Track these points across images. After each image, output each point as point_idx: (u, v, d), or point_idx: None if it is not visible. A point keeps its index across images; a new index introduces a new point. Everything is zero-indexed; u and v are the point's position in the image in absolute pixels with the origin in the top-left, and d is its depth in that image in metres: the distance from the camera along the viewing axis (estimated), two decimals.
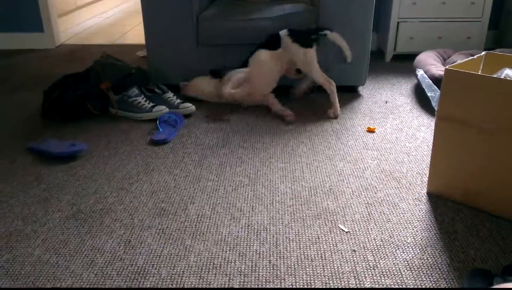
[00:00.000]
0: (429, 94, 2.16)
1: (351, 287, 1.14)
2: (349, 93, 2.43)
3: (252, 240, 1.32)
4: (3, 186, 1.61)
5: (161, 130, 1.99)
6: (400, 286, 1.14)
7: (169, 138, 1.93)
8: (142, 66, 2.45)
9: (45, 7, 3.31)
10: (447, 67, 1.39)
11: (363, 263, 1.22)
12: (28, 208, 1.48)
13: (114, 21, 4.49)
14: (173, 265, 1.22)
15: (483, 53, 1.57)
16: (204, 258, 1.25)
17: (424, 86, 2.23)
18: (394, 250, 1.27)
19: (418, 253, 1.26)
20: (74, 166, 1.74)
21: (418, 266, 1.21)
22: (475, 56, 1.55)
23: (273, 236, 1.33)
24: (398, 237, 1.32)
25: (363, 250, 1.27)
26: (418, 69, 2.39)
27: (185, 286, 1.15)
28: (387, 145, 1.87)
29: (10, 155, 1.82)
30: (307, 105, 2.30)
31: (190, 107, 2.19)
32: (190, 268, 1.21)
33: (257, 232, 1.35)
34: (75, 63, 2.98)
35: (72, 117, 2.12)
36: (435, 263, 1.22)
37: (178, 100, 2.21)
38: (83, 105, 2.13)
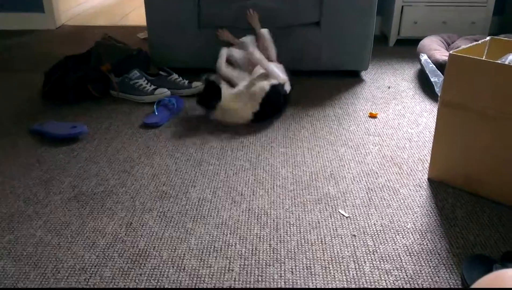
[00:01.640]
0: (432, 80, 2.15)
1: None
2: (352, 78, 2.42)
3: (252, 224, 1.32)
4: (4, 167, 1.61)
5: (156, 113, 1.98)
6: (400, 271, 1.15)
7: (161, 122, 1.93)
8: (143, 48, 2.44)
9: None
10: (451, 52, 1.38)
11: (363, 247, 1.23)
12: (30, 189, 1.48)
13: (115, 2, 4.45)
14: (174, 247, 1.23)
15: (487, 38, 1.56)
16: (205, 241, 1.26)
17: (427, 71, 2.22)
18: (394, 236, 1.27)
19: (417, 238, 1.26)
20: (76, 148, 1.74)
21: (418, 252, 1.22)
22: (479, 42, 1.54)
23: (273, 220, 1.34)
24: (398, 222, 1.33)
25: (363, 235, 1.28)
26: (422, 54, 2.37)
27: (186, 269, 1.16)
28: (389, 130, 1.87)
29: (12, 137, 1.82)
30: (309, 90, 2.29)
31: (200, 86, 2.20)
32: (191, 251, 1.22)
33: (257, 216, 1.36)
34: (76, 44, 2.96)
35: (73, 99, 2.11)
36: (434, 248, 1.23)
37: (187, 81, 2.21)
38: (84, 87, 2.12)
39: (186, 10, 2.29)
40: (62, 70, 2.14)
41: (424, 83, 2.34)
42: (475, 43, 1.53)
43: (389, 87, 2.31)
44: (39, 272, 1.15)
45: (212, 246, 1.24)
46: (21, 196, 1.45)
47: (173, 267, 1.17)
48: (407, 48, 2.86)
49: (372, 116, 2.00)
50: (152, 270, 1.16)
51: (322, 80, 2.38)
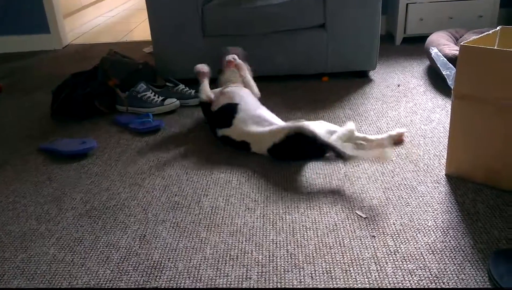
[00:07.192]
0: (444, 73, 2.10)
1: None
2: (360, 78, 2.39)
3: (268, 230, 1.29)
4: (16, 186, 1.60)
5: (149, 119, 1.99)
6: (424, 271, 1.11)
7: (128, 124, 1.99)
8: (149, 62, 2.43)
9: (50, 8, 3.31)
10: (462, 43, 1.34)
11: (383, 248, 1.19)
12: (42, 207, 1.47)
13: (120, 19, 4.48)
14: (189, 258, 1.20)
15: (498, 28, 1.52)
16: (220, 250, 1.23)
17: (438, 64, 2.17)
18: (415, 234, 1.23)
19: (440, 236, 1.22)
20: (86, 164, 1.72)
21: (441, 249, 1.17)
22: (490, 31, 1.50)
23: (289, 225, 1.30)
24: (418, 220, 1.29)
25: (382, 235, 1.24)
26: (432, 48, 2.32)
27: (202, 279, 1.13)
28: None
29: (22, 156, 1.82)
30: (317, 92, 2.26)
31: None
32: (206, 260, 1.19)
33: (272, 221, 1.32)
34: (83, 62, 2.97)
35: (82, 115, 2.11)
36: (458, 245, 1.18)
37: (193, 91, 2.20)
38: (92, 103, 2.12)
39: (190, 20, 2.28)
40: (69, 88, 2.15)
41: (434, 79, 2.30)
42: (486, 33, 1.49)
43: (398, 85, 2.27)
44: None
45: (228, 255, 1.21)
46: (33, 214, 1.44)
47: (189, 278, 1.14)
48: (414, 46, 2.82)
49: (324, 79, 2.36)
50: (168, 282, 1.13)
51: (330, 82, 2.35)
